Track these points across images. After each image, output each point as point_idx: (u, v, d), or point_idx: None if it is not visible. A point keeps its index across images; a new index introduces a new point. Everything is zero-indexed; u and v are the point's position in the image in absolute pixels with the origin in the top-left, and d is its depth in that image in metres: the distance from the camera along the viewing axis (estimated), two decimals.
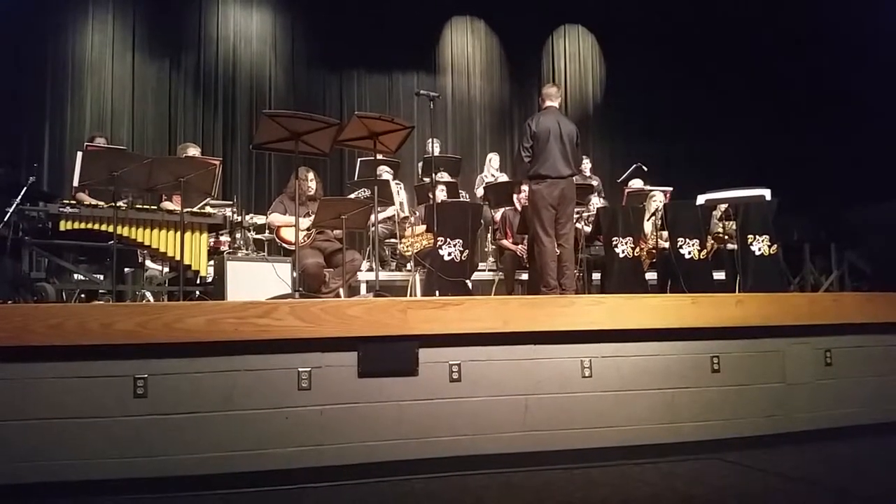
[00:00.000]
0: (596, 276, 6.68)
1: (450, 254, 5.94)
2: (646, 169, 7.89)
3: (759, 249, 6.16)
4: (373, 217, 5.30)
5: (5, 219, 4.53)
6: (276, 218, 5.62)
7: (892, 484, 3.21)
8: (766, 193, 6.02)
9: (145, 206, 4.93)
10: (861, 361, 4.26)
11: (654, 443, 3.69)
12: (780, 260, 6.29)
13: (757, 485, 3.21)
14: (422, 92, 5.58)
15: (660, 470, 3.41)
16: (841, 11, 9.38)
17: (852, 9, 9.28)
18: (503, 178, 8.01)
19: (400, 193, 7.17)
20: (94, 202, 4.90)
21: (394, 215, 7.03)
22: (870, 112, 8.86)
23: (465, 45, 11.35)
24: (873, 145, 8.73)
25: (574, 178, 5.75)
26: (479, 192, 7.74)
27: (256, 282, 4.95)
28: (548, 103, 5.72)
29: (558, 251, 5.58)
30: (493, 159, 8.25)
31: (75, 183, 4.81)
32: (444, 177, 7.37)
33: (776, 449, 3.79)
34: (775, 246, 6.17)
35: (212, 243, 5.51)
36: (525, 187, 6.87)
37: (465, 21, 11.36)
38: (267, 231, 6.08)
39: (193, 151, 5.98)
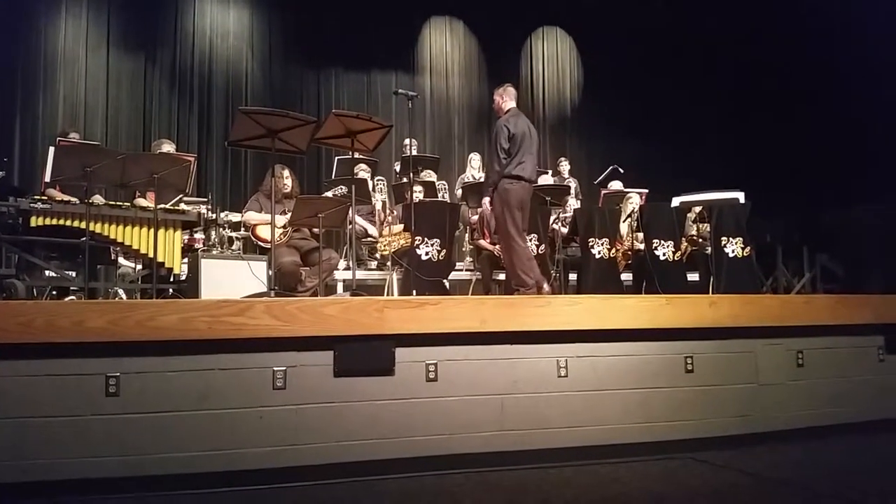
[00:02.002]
0: (572, 276, 6.72)
1: (427, 253, 5.94)
2: (622, 171, 7.95)
3: (733, 251, 6.23)
4: (350, 214, 5.28)
5: None
6: (251, 216, 5.58)
7: (862, 483, 3.25)
8: (740, 196, 6.11)
9: (118, 203, 4.86)
10: (832, 362, 4.32)
11: (628, 442, 3.71)
12: (753, 262, 6.37)
13: (729, 484, 3.24)
14: (400, 91, 5.57)
15: (633, 469, 3.43)
16: (816, 14, 9.51)
17: (827, 11, 9.41)
18: None
19: (384, 191, 7.17)
20: (65, 198, 4.83)
21: (372, 211, 7.05)
22: (844, 116, 9.00)
23: (444, 45, 11.34)
24: (847, 149, 8.87)
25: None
26: (459, 192, 7.75)
27: (231, 280, 4.90)
28: (511, 104, 5.69)
29: None
30: (475, 159, 8.25)
31: (47, 178, 4.73)
32: (430, 175, 7.37)
33: (748, 449, 3.83)
34: (748, 248, 6.25)
35: (186, 240, 5.45)
36: None
37: (443, 21, 11.36)
38: (242, 229, 6.03)
39: (168, 148, 5.91)
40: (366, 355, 3.36)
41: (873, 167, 8.37)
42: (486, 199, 5.53)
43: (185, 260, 5.24)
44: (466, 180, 7.87)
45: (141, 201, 5.19)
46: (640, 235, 6.53)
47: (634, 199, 7.16)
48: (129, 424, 3.04)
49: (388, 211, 7.19)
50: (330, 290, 6.16)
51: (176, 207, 5.11)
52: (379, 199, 7.27)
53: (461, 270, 7.18)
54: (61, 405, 2.98)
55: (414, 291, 5.61)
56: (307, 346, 3.29)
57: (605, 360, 3.78)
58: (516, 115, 5.61)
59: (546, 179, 7.89)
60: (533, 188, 5.69)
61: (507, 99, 5.69)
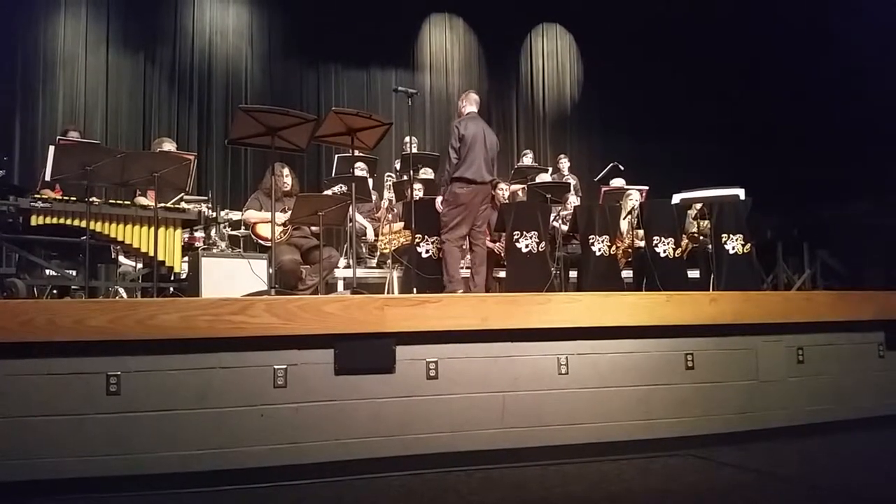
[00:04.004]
0: (572, 273, 6.72)
1: (428, 251, 5.93)
2: (623, 168, 7.94)
3: (733, 248, 6.21)
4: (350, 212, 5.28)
5: None
6: (251, 214, 5.58)
7: (861, 478, 3.26)
8: (741, 193, 6.10)
9: (118, 202, 4.86)
10: (832, 359, 4.33)
11: (629, 439, 3.72)
12: (753, 258, 6.35)
13: (730, 481, 3.25)
14: (400, 88, 5.57)
15: (634, 466, 3.44)
16: (812, 14, 9.51)
17: (823, 12, 9.41)
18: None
19: (392, 188, 7.15)
20: (57, 198, 4.81)
21: (372, 209, 7.04)
22: (843, 113, 8.99)
23: (444, 42, 11.33)
24: (847, 146, 8.86)
25: (492, 184, 5.85)
26: None
27: (232, 278, 4.90)
28: (471, 108, 5.77)
29: (474, 250, 5.75)
30: None
31: (47, 177, 4.72)
32: (428, 172, 7.36)
33: (749, 445, 3.84)
34: (749, 245, 6.24)
35: (186, 239, 5.44)
36: (503, 185, 6.89)
37: (443, 18, 11.34)
38: (242, 227, 6.02)
39: (169, 146, 5.89)
40: (366, 353, 3.36)
41: (873, 164, 8.35)
42: (439, 199, 5.64)
43: (186, 258, 5.24)
44: None
45: (141, 200, 5.19)
46: (641, 232, 6.52)
47: (635, 196, 7.15)
48: (130, 423, 3.04)
49: (390, 209, 7.19)
50: (330, 288, 6.16)
51: (176, 206, 5.11)
52: (387, 196, 7.27)
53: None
54: (62, 404, 2.98)
55: (414, 289, 5.61)
56: (308, 345, 3.29)
57: (606, 358, 3.79)
58: (471, 118, 5.70)
59: (545, 177, 7.89)
60: (490, 185, 5.75)
61: (465, 104, 5.83)
